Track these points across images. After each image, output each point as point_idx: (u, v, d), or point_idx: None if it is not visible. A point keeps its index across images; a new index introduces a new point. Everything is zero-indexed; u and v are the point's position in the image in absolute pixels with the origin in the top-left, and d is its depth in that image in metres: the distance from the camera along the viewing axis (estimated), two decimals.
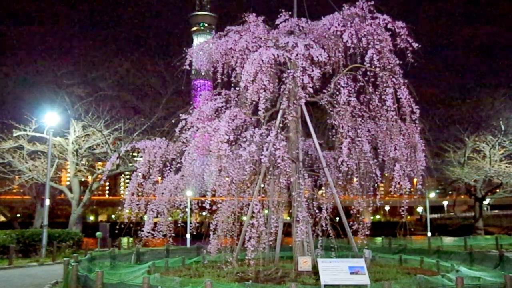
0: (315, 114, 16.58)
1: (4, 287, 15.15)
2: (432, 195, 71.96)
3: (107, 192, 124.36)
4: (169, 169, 15.88)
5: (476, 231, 42.97)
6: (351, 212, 15.47)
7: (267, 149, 13.57)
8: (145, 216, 15.71)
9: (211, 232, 14.33)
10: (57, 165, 32.96)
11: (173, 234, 16.05)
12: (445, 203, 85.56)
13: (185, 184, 15.58)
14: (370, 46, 14.14)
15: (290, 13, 16.25)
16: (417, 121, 14.25)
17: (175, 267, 16.68)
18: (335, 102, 14.77)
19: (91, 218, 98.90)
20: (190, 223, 18.45)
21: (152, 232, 15.30)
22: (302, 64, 13.78)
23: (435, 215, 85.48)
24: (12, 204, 54.10)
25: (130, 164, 31.73)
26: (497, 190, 43.66)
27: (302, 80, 13.75)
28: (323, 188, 16.97)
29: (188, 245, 29.26)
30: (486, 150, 39.07)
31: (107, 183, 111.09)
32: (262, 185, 15.06)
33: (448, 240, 34.36)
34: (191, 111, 15.67)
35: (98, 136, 31.90)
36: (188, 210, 21.50)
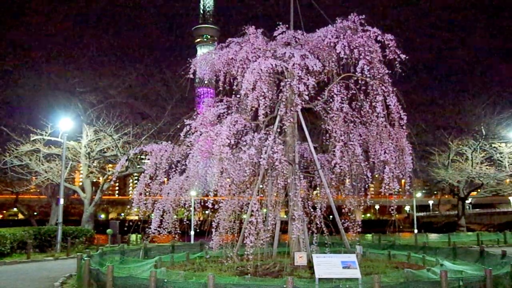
0: (310, 119, 16.56)
1: (23, 279, 15.12)
2: (419, 195, 72.20)
3: (117, 192, 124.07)
4: (174, 171, 15.89)
5: (459, 228, 42.86)
6: (343, 210, 15.43)
7: (265, 152, 13.56)
8: (152, 214, 15.70)
9: (213, 229, 14.30)
10: (70, 167, 32.86)
11: (178, 231, 16.03)
12: (431, 202, 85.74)
13: (189, 184, 15.57)
14: (361, 56, 14.15)
15: (287, 25, 16.25)
16: (404, 126, 14.26)
17: (180, 261, 16.60)
18: (329, 108, 14.79)
19: (102, 216, 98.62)
20: (194, 221, 18.41)
21: (159, 229, 15.30)
22: (298, 73, 13.79)
23: (421, 214, 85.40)
24: (30, 203, 53.89)
25: (138, 166, 31.67)
26: (478, 190, 43.54)
27: (298, 88, 13.75)
28: (317, 188, 16.95)
29: (192, 241, 29.16)
30: (469, 153, 39.04)
31: (117, 184, 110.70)
32: (261, 186, 15.03)
33: (433, 237, 34.22)
34: (195, 117, 15.67)
35: (108, 140, 31.82)
36: (192, 209, 21.43)
